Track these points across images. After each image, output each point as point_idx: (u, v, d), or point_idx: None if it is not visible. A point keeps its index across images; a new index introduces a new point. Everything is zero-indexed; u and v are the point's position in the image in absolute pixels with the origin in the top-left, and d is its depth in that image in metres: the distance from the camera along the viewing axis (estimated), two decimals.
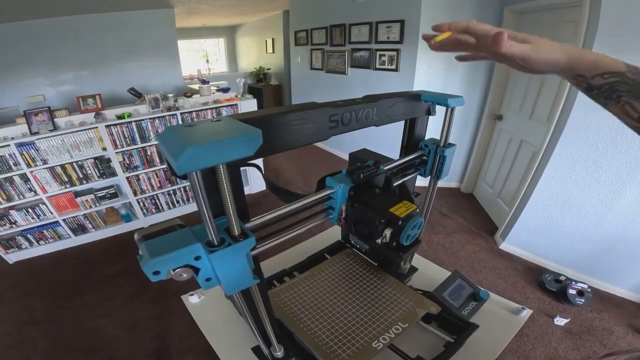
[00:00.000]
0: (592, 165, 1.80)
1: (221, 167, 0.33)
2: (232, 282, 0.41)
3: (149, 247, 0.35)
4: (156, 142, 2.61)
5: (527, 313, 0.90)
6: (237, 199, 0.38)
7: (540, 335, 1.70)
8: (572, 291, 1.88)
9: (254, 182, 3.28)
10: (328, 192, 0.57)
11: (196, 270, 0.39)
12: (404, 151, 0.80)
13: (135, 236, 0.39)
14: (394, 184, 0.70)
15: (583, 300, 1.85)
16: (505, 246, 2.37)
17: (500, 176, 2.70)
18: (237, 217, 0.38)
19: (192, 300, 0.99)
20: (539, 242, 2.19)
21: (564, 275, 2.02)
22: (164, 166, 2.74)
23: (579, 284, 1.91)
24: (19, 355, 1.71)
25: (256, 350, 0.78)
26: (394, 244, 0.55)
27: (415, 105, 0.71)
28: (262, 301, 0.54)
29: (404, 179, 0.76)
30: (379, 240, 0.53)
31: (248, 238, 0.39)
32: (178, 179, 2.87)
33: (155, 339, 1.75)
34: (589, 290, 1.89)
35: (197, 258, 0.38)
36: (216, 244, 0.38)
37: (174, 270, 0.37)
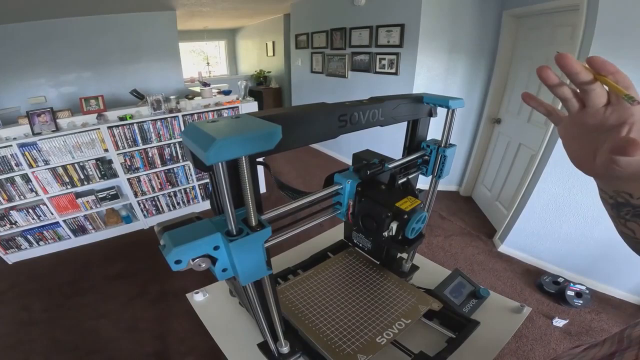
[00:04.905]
0: None
1: (244, 159, 0.35)
2: (248, 272, 0.43)
3: (171, 236, 0.37)
4: (158, 144, 2.63)
5: (527, 311, 0.92)
6: (254, 192, 0.39)
7: (539, 336, 1.72)
8: (570, 293, 1.89)
9: None
10: (336, 187, 0.59)
11: (214, 260, 0.41)
12: (407, 151, 0.83)
13: (156, 228, 0.41)
14: (398, 182, 0.72)
15: (581, 302, 1.87)
16: (503, 248, 2.39)
17: (499, 179, 2.73)
18: (255, 208, 0.40)
19: (196, 298, 1.00)
20: (537, 244, 2.21)
21: (562, 277, 2.04)
22: (165, 168, 2.76)
23: (577, 286, 1.93)
24: (18, 355, 1.70)
25: (262, 346, 0.79)
26: (400, 237, 0.57)
27: (418, 107, 0.73)
28: (272, 293, 0.56)
29: (407, 177, 0.78)
30: (385, 233, 0.55)
31: (265, 228, 0.41)
32: (179, 181, 2.89)
33: (155, 340, 1.75)
34: (587, 291, 1.91)
35: (216, 248, 0.39)
36: (235, 233, 0.40)
37: (193, 260, 0.38)
